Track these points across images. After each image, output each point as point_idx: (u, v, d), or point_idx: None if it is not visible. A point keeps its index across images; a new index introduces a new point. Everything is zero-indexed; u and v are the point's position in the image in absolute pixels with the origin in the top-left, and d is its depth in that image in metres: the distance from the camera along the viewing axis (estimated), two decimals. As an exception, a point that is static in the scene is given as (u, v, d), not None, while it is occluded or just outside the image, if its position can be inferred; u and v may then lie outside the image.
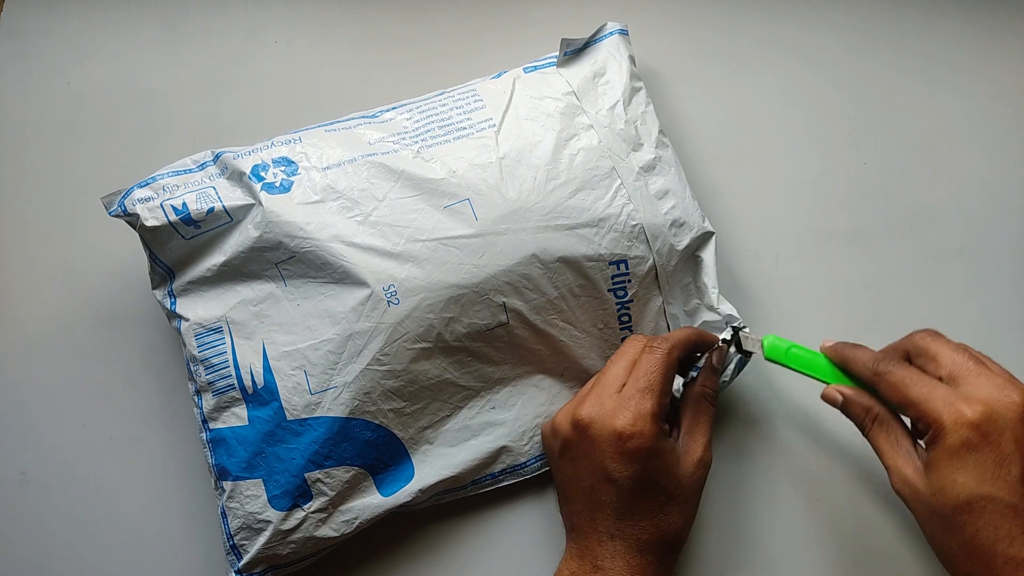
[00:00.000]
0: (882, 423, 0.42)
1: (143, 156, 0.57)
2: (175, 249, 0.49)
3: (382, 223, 0.47)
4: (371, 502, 0.47)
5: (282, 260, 0.47)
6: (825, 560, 0.50)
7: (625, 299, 0.49)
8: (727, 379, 0.49)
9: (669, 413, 0.45)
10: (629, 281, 0.49)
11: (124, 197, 0.48)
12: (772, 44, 0.61)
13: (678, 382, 0.48)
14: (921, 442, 0.41)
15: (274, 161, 0.48)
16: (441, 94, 0.53)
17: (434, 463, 0.48)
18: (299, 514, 0.46)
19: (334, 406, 0.46)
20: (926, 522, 0.40)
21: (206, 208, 0.47)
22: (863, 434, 0.43)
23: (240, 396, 0.47)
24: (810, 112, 0.59)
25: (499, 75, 0.55)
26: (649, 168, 0.51)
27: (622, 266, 0.49)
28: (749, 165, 0.58)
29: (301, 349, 0.46)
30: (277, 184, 0.48)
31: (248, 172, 0.48)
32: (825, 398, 0.45)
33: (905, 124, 0.59)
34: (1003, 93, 0.60)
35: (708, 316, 0.51)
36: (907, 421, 0.42)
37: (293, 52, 0.61)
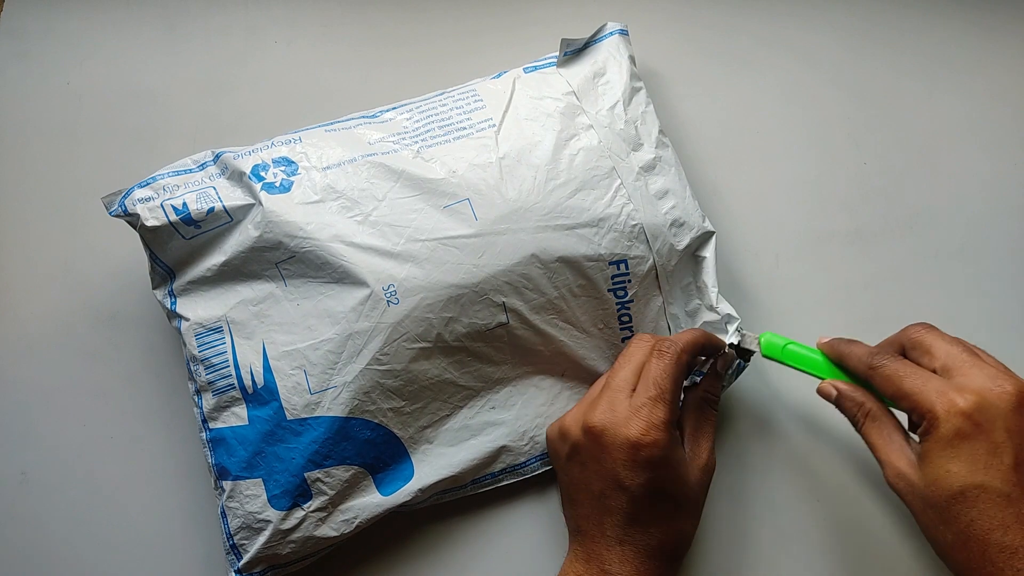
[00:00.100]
0: (874, 418, 0.42)
1: (143, 156, 0.57)
2: (175, 249, 0.49)
3: (382, 223, 0.47)
4: (371, 501, 0.47)
5: (282, 260, 0.47)
6: (825, 560, 0.50)
7: (625, 299, 0.49)
8: (726, 382, 0.49)
9: None
10: (629, 281, 0.49)
11: (124, 197, 0.48)
12: (772, 44, 0.61)
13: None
14: (915, 436, 0.41)
15: (274, 161, 0.49)
16: (441, 94, 0.53)
17: (434, 462, 0.48)
18: (299, 513, 0.46)
19: (334, 406, 0.46)
20: (921, 514, 0.40)
21: (206, 208, 0.47)
22: (856, 429, 0.43)
23: (240, 396, 0.47)
24: (810, 112, 0.59)
25: (499, 75, 0.55)
26: (649, 168, 0.51)
27: (622, 266, 0.49)
28: (749, 165, 0.58)
29: (301, 349, 0.46)
30: (277, 184, 0.48)
31: (248, 172, 0.48)
32: (820, 393, 0.45)
33: (905, 124, 0.59)
34: (1003, 93, 0.60)
35: (708, 316, 0.51)
36: (902, 417, 0.42)
37: (293, 52, 0.61)
